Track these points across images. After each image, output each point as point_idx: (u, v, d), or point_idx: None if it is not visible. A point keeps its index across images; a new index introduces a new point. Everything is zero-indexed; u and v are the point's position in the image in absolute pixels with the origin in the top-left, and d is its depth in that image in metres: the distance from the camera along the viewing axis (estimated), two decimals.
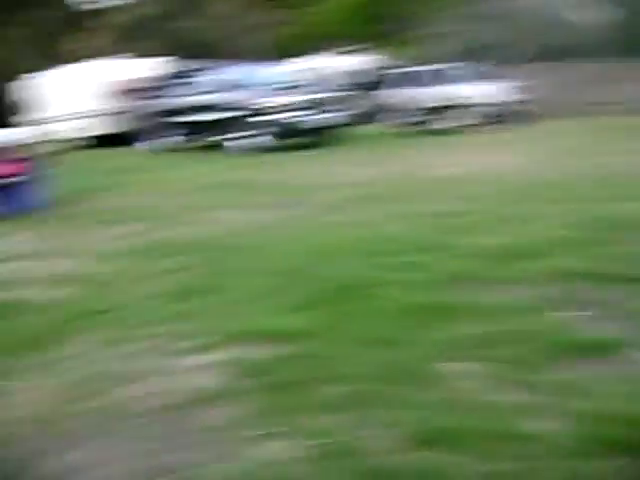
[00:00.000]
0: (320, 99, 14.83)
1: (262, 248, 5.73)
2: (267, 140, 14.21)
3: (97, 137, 19.44)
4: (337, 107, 15.07)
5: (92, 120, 19.52)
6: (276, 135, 14.19)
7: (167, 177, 11.54)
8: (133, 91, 18.65)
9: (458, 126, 16.30)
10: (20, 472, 2.56)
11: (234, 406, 2.92)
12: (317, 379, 3.08)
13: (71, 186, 9.59)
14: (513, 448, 2.46)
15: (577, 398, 2.79)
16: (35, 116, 19.84)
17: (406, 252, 5.12)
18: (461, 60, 18.03)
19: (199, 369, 3.34)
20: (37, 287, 5.03)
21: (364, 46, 25.28)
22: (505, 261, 4.71)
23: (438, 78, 17.35)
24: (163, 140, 16.54)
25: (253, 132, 14.24)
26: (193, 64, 17.04)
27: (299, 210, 7.41)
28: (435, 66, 17.81)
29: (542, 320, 3.65)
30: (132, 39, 27.21)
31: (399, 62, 20.92)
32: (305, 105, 14.43)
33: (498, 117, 16.48)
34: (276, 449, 2.57)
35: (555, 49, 19.38)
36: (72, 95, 20.13)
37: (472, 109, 16.58)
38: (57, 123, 18.93)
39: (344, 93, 16.31)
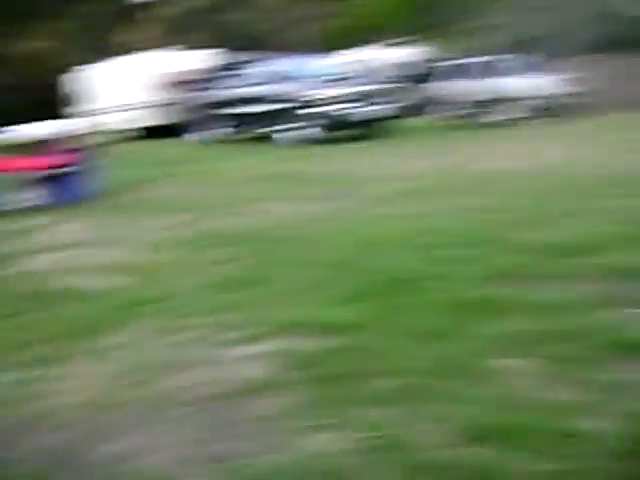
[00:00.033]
0: (369, 91, 14.78)
1: (311, 240, 5.73)
2: (316, 132, 14.22)
3: (147, 129, 19.64)
4: (386, 99, 15.00)
5: (142, 112, 19.73)
6: (325, 127, 14.19)
7: (216, 168, 11.61)
8: (183, 83, 18.79)
9: (507, 119, 16.09)
10: (71, 458, 2.59)
11: (283, 397, 2.92)
12: (367, 372, 3.06)
13: (121, 177, 9.70)
14: (563, 447, 2.42)
15: (628, 398, 2.73)
16: (86, 108, 20.12)
17: (455, 246, 5.07)
18: (511, 52, 17.78)
19: (248, 359, 3.35)
20: (88, 275, 5.10)
21: (413, 38, 25.09)
22: (555, 257, 4.63)
23: (487, 71, 17.14)
24: (212, 132, 16.64)
25: (302, 124, 14.26)
26: (242, 56, 17.11)
27: (348, 202, 7.39)
28: (485, 58, 17.60)
29: (593, 318, 3.57)
30: (182, 31, 27.39)
31: (448, 54, 20.72)
32: (354, 97, 14.39)
33: (548, 110, 16.22)
34: (325, 441, 2.56)
35: (605, 41, 18.98)
36: (122, 87, 20.37)
37: (521, 102, 16.35)
38: (107, 115, 19.18)
39: (393, 85, 16.22)
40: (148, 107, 19.71)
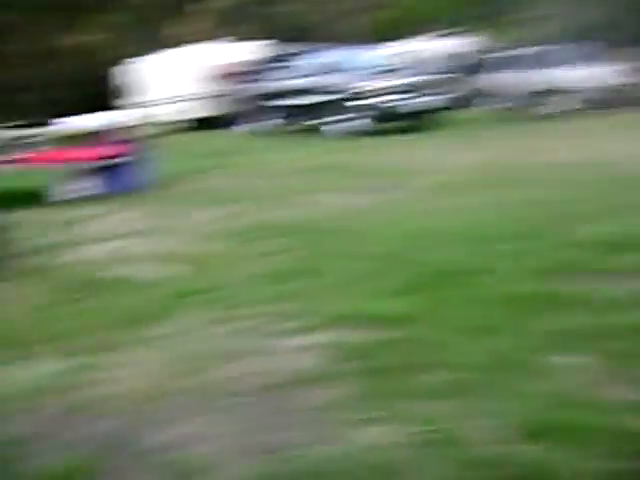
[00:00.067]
0: (418, 83, 14.68)
1: (360, 232, 5.72)
2: (365, 124, 14.17)
3: (196, 120, 19.78)
4: (435, 91, 14.88)
5: (192, 103, 19.88)
6: (374, 119, 14.14)
7: (265, 160, 11.65)
8: (233, 75, 18.87)
9: (561, 111, 15.81)
10: (122, 445, 2.62)
11: (334, 389, 2.92)
12: (419, 365, 3.04)
13: (171, 168, 9.79)
14: (618, 445, 2.37)
15: None
16: (137, 100, 20.35)
17: (506, 239, 5.00)
18: (564, 43, 17.46)
19: (299, 350, 3.36)
20: (140, 265, 5.17)
21: (463, 29, 24.80)
22: (613, 251, 4.53)
23: (540, 61, 16.84)
24: (261, 123, 16.70)
25: (351, 116, 14.22)
26: (291, 48, 17.11)
27: (397, 194, 7.35)
28: (536, 49, 17.31)
29: None
30: (232, 23, 27.50)
31: (499, 45, 20.44)
32: (403, 89, 14.31)
33: (602, 102, 15.89)
34: (377, 434, 2.55)
35: None
36: (173, 79, 20.54)
37: (574, 93, 16.05)
38: (158, 106, 19.35)
39: (442, 77, 16.08)
40: (198, 99, 19.85)
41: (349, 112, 14.22)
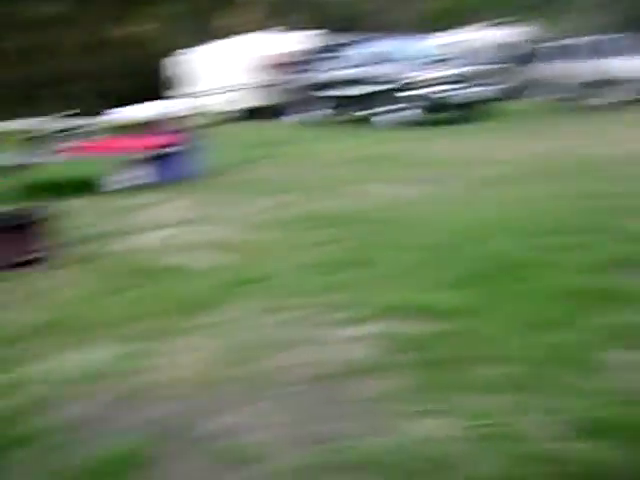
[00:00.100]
0: (469, 73, 14.52)
1: (410, 222, 5.67)
2: (415, 115, 14.06)
3: (246, 110, 19.86)
4: (487, 81, 14.71)
5: (242, 93, 19.96)
6: (425, 109, 14.02)
7: (315, 150, 11.64)
8: (283, 65, 18.89)
9: (616, 102, 15.47)
10: (176, 431, 2.63)
11: (388, 380, 2.89)
12: (474, 358, 3.00)
13: (222, 157, 9.85)
14: None
15: None
16: (188, 90, 20.51)
17: (563, 232, 4.91)
18: (620, 32, 17.07)
19: (352, 341, 3.34)
20: (193, 253, 5.20)
21: (515, 18, 24.44)
22: None
23: (595, 51, 16.50)
24: (311, 113, 16.69)
25: (401, 106, 14.13)
26: (342, 38, 17.06)
27: (448, 185, 7.28)
28: (592, 38, 16.95)
29: None
30: (282, 14, 27.53)
31: (553, 34, 20.09)
32: (454, 79, 14.17)
33: None
34: (432, 427, 2.52)
35: None
36: (224, 69, 20.65)
37: (629, 84, 15.69)
38: (209, 96, 19.47)
39: (494, 67, 15.88)
40: (248, 89, 19.92)
41: (399, 102, 14.13)
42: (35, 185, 8.92)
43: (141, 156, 8.65)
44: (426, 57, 14.93)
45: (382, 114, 14.47)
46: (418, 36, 17.18)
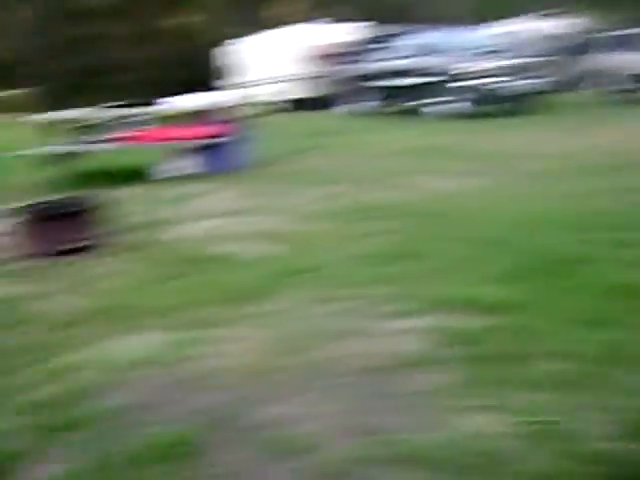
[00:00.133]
0: (520, 65, 14.31)
1: (460, 215, 5.63)
2: (465, 106, 13.91)
3: (295, 101, 19.88)
4: (537, 73, 14.48)
5: (291, 84, 19.99)
6: (474, 101, 13.87)
7: (364, 141, 11.61)
8: (331, 56, 18.86)
9: None
10: (227, 420, 2.65)
11: (438, 374, 2.87)
12: (526, 354, 2.96)
13: (271, 148, 9.87)
14: None
15: None
16: (237, 80, 20.60)
17: (612, 228, 4.82)
18: None
19: (402, 334, 3.32)
20: (242, 243, 5.23)
21: (567, 8, 24.00)
22: None
23: None
24: (360, 104, 16.64)
25: (451, 98, 14.00)
26: (391, 29, 16.96)
27: (497, 178, 7.20)
28: None
29: None
30: (329, 4, 27.47)
31: (605, 25, 19.68)
32: (505, 71, 13.98)
33: None
34: (483, 422, 2.49)
35: None
36: (271, 60, 20.69)
37: None
38: (257, 87, 19.54)
39: (546, 58, 15.62)
40: (296, 80, 19.94)
41: (449, 94, 14.00)
42: (86, 173, 9.08)
43: (191, 146, 8.72)
44: (476, 48, 14.75)
45: (431, 106, 14.35)
46: (468, 27, 17.00)
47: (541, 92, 14.51)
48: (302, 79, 19.79)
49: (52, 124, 9.22)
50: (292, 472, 2.31)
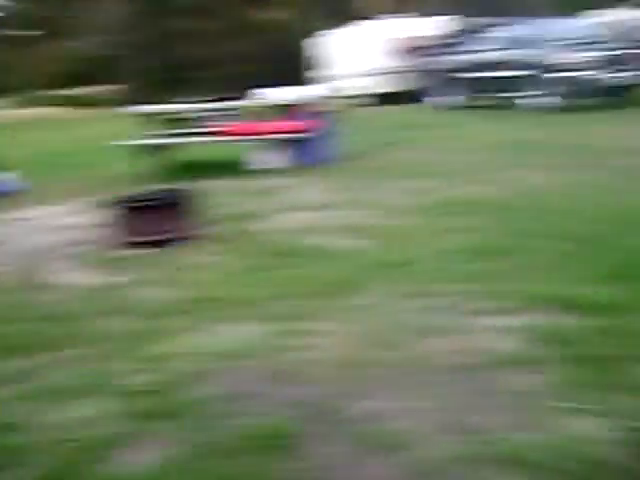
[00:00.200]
0: (618, 56, 13.82)
1: (555, 211, 5.47)
2: (559, 99, 13.53)
3: (382, 94, 19.80)
4: (634, 65, 13.95)
5: (378, 77, 19.91)
6: (569, 94, 13.46)
7: (452, 135, 11.46)
8: (418, 49, 18.71)
9: None
10: (321, 413, 2.64)
11: (535, 374, 2.79)
12: (625, 356, 2.84)
13: (359, 141, 9.85)
14: None
15: None
16: (325, 73, 20.66)
17: None
18: None
19: (496, 331, 3.25)
20: (331, 236, 5.23)
21: None
22: None
23: None
24: (449, 98, 16.43)
25: (544, 91, 13.64)
26: (480, 21, 16.68)
27: (594, 174, 6.96)
28: None
29: None
30: None
31: None
32: (601, 63, 13.53)
33: None
34: (582, 425, 2.41)
35: None
36: (360, 53, 20.65)
37: None
38: (345, 80, 19.54)
39: None
40: (384, 73, 19.85)
41: (543, 87, 13.64)
42: (178, 166, 9.26)
43: (280, 139, 8.78)
44: (571, 39, 14.31)
45: (524, 98, 14.02)
46: (563, 17, 16.55)
47: (637, 85, 13.98)
48: (389, 72, 19.69)
49: (147, 117, 9.43)
50: (388, 468, 2.29)
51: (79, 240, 5.69)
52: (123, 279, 4.55)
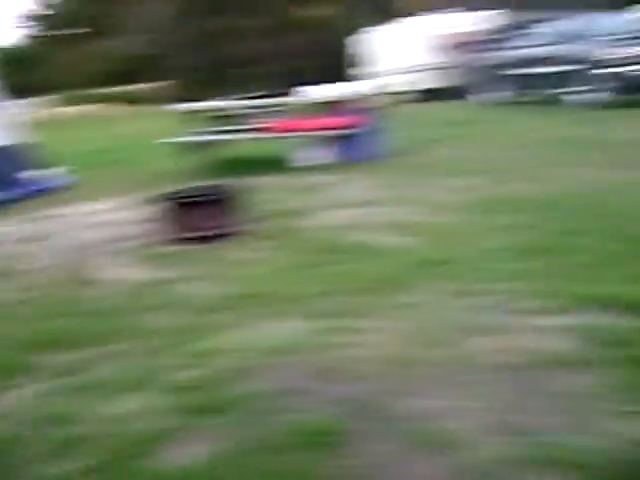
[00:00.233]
0: None
1: (606, 210, 5.34)
2: (607, 95, 13.29)
3: (427, 91, 19.69)
4: None
5: (423, 74, 19.79)
6: (618, 90, 13.21)
7: (498, 131, 11.31)
8: (463, 45, 18.55)
9: None
10: (369, 410, 2.62)
11: (589, 375, 2.73)
12: None
13: (404, 138, 9.79)
14: None
15: None
16: (370, 70, 20.60)
17: None
18: None
19: (545, 331, 3.19)
20: (376, 233, 5.19)
21: None
22: None
23: None
24: (495, 94, 16.25)
25: (592, 86, 13.41)
26: (526, 16, 16.46)
27: None
28: None
29: None
30: None
31: None
32: None
33: None
34: (637, 429, 2.35)
35: None
36: (404, 49, 20.55)
37: None
38: (389, 76, 19.46)
39: None
40: (429, 69, 19.73)
41: (590, 82, 13.41)
42: (224, 162, 9.31)
43: (326, 135, 8.77)
44: (621, 34, 14.03)
45: (571, 94, 13.80)
46: (612, 11, 16.25)
47: None
48: (435, 68, 19.56)
49: (193, 114, 9.50)
50: (436, 468, 2.26)
51: (126, 236, 5.75)
52: (170, 275, 4.58)
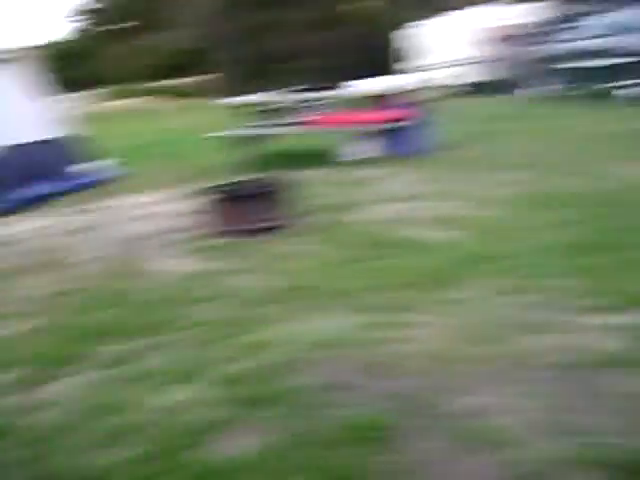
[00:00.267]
0: None
1: None
2: None
3: (474, 84, 19.50)
4: None
5: (469, 67, 19.60)
6: None
7: (547, 126, 11.15)
8: (511, 38, 18.32)
9: None
10: (418, 406, 2.60)
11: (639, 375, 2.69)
12: None
13: (450, 132, 9.71)
14: None
15: None
16: (416, 64, 20.47)
17: None
18: None
19: (598, 330, 3.13)
20: (423, 228, 5.16)
21: None
22: None
23: None
24: (544, 88, 16.02)
25: None
26: (576, 8, 16.18)
27: None
28: None
29: None
30: None
31: None
32: None
33: None
34: None
35: None
36: (450, 43, 20.38)
37: None
38: (435, 70, 19.32)
39: None
40: (476, 63, 19.53)
41: None
42: (272, 155, 9.34)
43: (373, 129, 8.74)
44: None
45: (624, 88, 13.54)
46: None
47: None
48: (481, 62, 19.35)
49: (241, 107, 9.54)
50: (485, 467, 2.23)
51: (174, 228, 5.81)
52: (218, 267, 4.61)
